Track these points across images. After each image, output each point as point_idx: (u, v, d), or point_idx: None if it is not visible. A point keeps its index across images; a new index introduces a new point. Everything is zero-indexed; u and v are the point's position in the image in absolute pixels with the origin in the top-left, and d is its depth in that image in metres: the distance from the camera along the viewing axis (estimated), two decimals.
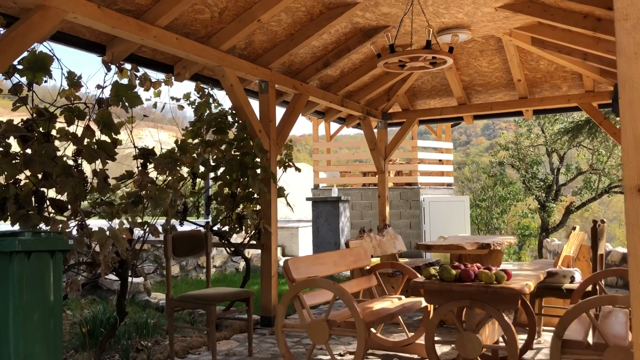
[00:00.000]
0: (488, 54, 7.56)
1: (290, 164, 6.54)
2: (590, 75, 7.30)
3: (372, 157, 8.94)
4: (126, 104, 4.49)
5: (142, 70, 5.21)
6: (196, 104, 5.96)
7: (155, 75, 5.39)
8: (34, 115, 4.08)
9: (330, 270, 4.38)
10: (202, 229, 5.32)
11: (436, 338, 3.85)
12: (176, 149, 5.17)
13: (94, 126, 4.53)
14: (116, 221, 4.44)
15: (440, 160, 15.17)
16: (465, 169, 18.64)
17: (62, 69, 4.33)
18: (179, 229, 5.27)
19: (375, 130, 8.96)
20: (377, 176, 14.73)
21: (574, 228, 5.90)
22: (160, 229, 4.91)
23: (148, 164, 5.00)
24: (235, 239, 6.12)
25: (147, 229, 4.73)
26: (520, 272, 4.18)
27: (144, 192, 4.77)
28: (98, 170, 4.34)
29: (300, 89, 6.60)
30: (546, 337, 5.05)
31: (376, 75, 7.89)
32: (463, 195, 17.50)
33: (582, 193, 15.72)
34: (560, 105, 8.05)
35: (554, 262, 5.54)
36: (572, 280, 4.86)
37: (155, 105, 5.97)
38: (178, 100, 5.99)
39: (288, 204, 6.26)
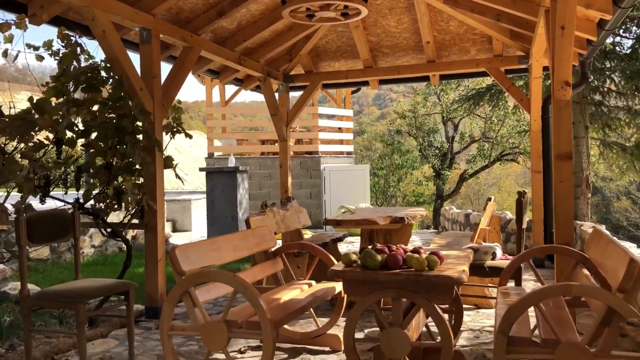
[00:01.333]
0: (397, 12, 7.02)
1: (179, 129, 5.63)
2: (500, 39, 7.00)
3: (273, 123, 8.19)
4: None
5: None
6: (60, 54, 4.87)
7: (2, 16, 4.26)
8: None
9: (229, 257, 3.64)
10: (70, 206, 4.34)
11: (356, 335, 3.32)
12: (32, 109, 4.13)
13: None
14: None
15: (339, 128, 14.72)
16: (364, 137, 18.41)
17: None
18: (40, 208, 4.27)
19: (276, 95, 8.20)
20: (277, 144, 14.06)
21: (490, 199, 5.58)
22: (10, 208, 3.91)
23: None
24: (115, 217, 5.18)
25: None
26: (446, 251, 3.69)
27: None
28: None
29: (190, 42, 5.67)
30: (465, 319, 4.67)
31: (278, 30, 7.10)
32: (362, 164, 17.28)
33: (475, 161, 16.01)
34: (469, 70, 7.73)
35: (472, 236, 5.18)
36: (494, 257, 4.49)
37: (4, 54, 4.83)
38: (37, 49, 4.88)
39: (177, 176, 5.38)
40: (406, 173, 16.52)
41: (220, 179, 8.59)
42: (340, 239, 6.24)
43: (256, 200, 13.18)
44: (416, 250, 3.17)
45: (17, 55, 4.82)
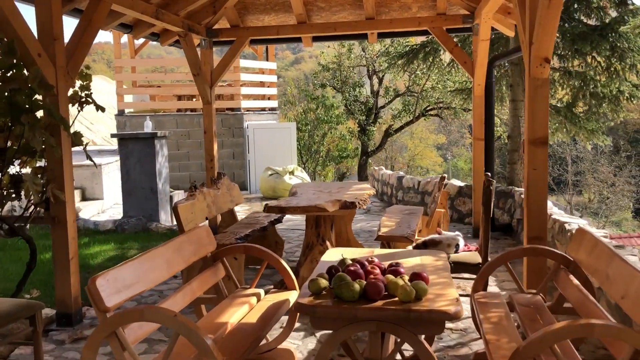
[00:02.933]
0: None
1: (89, 99, 4.74)
2: None
3: (195, 84, 7.31)
4: None
5: None
6: None
7: None
8: None
9: (162, 276, 2.97)
10: None
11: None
12: None
13: None
14: None
15: (262, 82, 13.88)
16: (287, 90, 17.62)
17: None
18: None
19: (198, 50, 7.29)
20: (195, 100, 13.04)
21: (443, 178, 5.18)
22: None
23: None
24: (12, 211, 4.30)
25: None
26: (418, 258, 3.22)
27: None
28: None
29: None
30: None
31: None
32: (288, 122, 16.56)
33: (400, 116, 15.76)
34: (410, 29, 7.20)
35: (427, 221, 4.77)
36: (457, 249, 4.10)
37: None
38: None
39: (89, 157, 4.54)
40: (331, 128, 16.03)
41: (135, 146, 7.67)
42: (279, 221, 5.66)
43: (173, 162, 12.26)
44: (395, 271, 2.67)
45: None
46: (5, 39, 3.80)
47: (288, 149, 12.48)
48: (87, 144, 4.57)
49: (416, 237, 4.64)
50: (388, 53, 14.53)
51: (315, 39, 7.82)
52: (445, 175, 5.39)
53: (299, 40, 7.90)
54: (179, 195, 8.66)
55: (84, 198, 9.90)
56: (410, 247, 4.44)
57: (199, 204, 4.96)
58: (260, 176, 11.58)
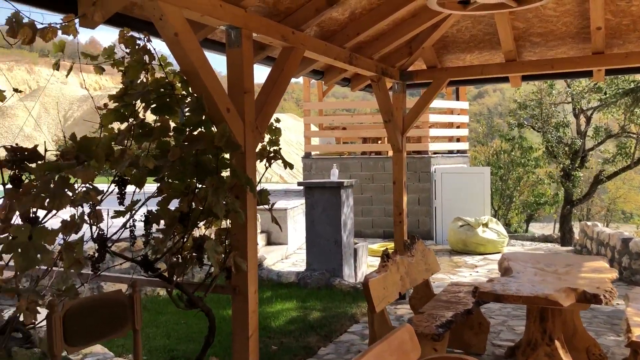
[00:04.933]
0: None
1: (278, 155, 4.31)
2: None
3: (386, 130, 6.71)
4: None
5: (14, 9, 2.94)
6: (126, 64, 3.67)
7: (46, 18, 3.07)
8: None
9: None
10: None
11: None
12: (76, 148, 2.94)
13: None
14: None
15: (451, 123, 12.95)
16: (479, 130, 16.43)
17: None
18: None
19: (390, 94, 6.69)
20: (380, 142, 12.58)
21: None
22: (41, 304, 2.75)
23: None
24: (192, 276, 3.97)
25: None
26: None
27: (6, 236, 2.62)
28: None
29: (291, 40, 4.30)
30: None
31: (398, 19, 5.58)
32: (481, 166, 15.32)
33: (614, 161, 13.61)
34: None
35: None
36: None
37: (56, 67, 3.68)
38: (94, 58, 3.71)
39: (275, 220, 4.08)
40: (527, 172, 14.43)
41: (322, 196, 7.25)
42: (486, 301, 4.68)
43: (356, 206, 11.81)
44: None
45: (70, 69, 3.66)
46: (195, 94, 3.49)
47: (480, 197, 11.32)
48: (273, 205, 4.11)
49: None
50: (600, 89, 12.67)
51: (525, 77, 6.77)
52: None
53: (504, 80, 6.92)
54: (363, 248, 8.06)
55: (269, 242, 9.82)
56: None
57: (391, 276, 4.23)
58: (448, 226, 10.59)
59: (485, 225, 10.06)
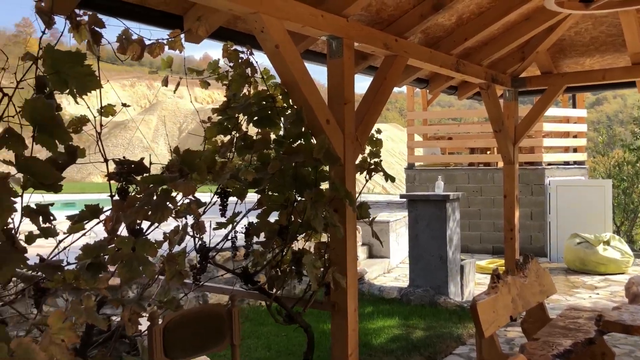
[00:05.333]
0: None
1: (379, 167, 4.17)
2: None
3: (496, 140, 6.34)
4: (74, 89, 2.34)
5: (124, 26, 3.04)
6: (229, 77, 3.71)
7: (154, 34, 3.16)
8: None
9: None
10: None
11: None
12: (178, 161, 2.97)
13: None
14: None
15: (567, 133, 12.10)
16: (598, 139, 15.26)
17: None
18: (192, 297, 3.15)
19: (500, 102, 6.32)
20: (489, 153, 12.02)
21: None
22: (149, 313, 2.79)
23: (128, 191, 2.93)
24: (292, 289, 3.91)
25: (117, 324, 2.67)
26: None
27: (112, 247, 2.67)
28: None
29: (394, 48, 4.15)
30: None
31: (509, 23, 5.24)
32: (596, 175, 14.21)
33: None
34: None
35: None
36: None
37: (165, 83, 3.80)
38: (199, 73, 3.78)
39: (376, 235, 3.93)
40: None
41: (425, 209, 6.99)
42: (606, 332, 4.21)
43: (463, 220, 11.33)
44: None
45: (178, 84, 3.76)
46: (295, 106, 3.44)
47: (600, 212, 10.43)
48: (374, 219, 3.97)
49: None
50: None
51: None
52: None
53: (629, 85, 6.31)
54: (470, 265, 7.66)
55: (371, 255, 9.65)
56: None
57: (502, 299, 3.93)
58: (564, 243, 9.83)
59: (607, 242, 9.23)
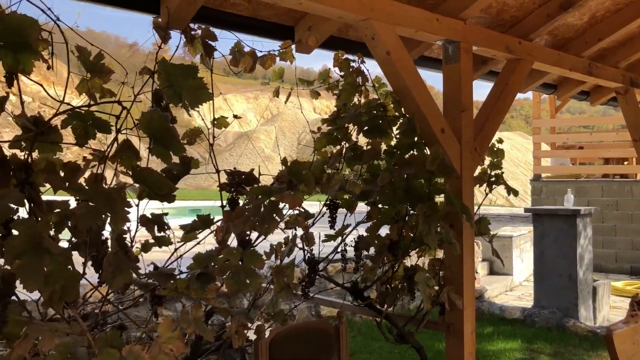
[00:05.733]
0: None
1: (501, 180, 3.90)
2: None
3: (635, 150, 5.71)
4: (186, 101, 2.38)
5: (236, 39, 3.08)
6: (340, 87, 3.65)
7: (265, 46, 3.18)
8: None
9: None
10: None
11: None
12: (287, 173, 2.94)
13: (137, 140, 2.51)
14: None
15: None
16: None
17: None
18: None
19: None
20: (627, 164, 10.97)
21: None
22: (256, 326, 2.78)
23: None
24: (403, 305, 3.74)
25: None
26: None
27: (221, 257, 2.69)
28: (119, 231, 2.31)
29: (517, 52, 3.86)
30: None
31: None
32: None
33: None
34: None
35: None
36: None
37: (276, 94, 3.83)
38: (310, 83, 3.76)
39: (496, 253, 3.66)
40: None
41: (552, 224, 6.47)
42: None
43: (596, 236, 10.40)
44: None
45: (289, 95, 3.77)
46: (407, 115, 3.28)
47: None
48: (494, 236, 3.70)
49: None
50: None
51: None
52: None
53: None
54: (604, 286, 6.98)
55: (491, 272, 9.15)
56: None
57: None
58: None
59: None
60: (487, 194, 3.89)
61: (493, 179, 3.89)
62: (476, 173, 3.75)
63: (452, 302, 3.38)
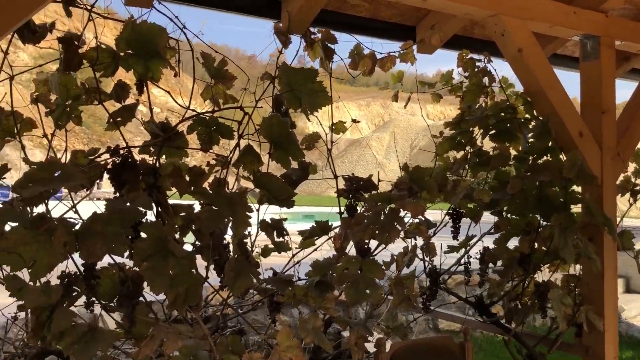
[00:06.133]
0: None
1: None
2: None
3: None
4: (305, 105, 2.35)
5: (354, 42, 3.00)
6: (464, 88, 3.46)
7: (384, 47, 3.07)
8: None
9: None
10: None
11: None
12: (407, 178, 2.80)
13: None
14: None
15: None
16: None
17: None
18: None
19: None
20: None
21: None
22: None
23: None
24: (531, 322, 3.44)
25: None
26: None
27: (340, 265, 2.61)
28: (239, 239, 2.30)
29: None
30: None
31: None
32: None
33: None
34: None
35: None
36: None
37: (395, 98, 3.70)
38: (431, 86, 3.60)
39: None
40: None
41: None
42: None
43: None
44: None
45: (408, 99, 3.63)
46: (540, 118, 3.02)
47: None
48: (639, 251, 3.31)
49: None
50: None
51: None
52: None
53: None
54: None
55: (628, 290, 8.33)
56: None
57: None
58: None
59: None
60: (631, 205, 3.49)
61: (638, 187, 3.49)
62: (618, 181, 3.38)
63: (591, 323, 3.04)
